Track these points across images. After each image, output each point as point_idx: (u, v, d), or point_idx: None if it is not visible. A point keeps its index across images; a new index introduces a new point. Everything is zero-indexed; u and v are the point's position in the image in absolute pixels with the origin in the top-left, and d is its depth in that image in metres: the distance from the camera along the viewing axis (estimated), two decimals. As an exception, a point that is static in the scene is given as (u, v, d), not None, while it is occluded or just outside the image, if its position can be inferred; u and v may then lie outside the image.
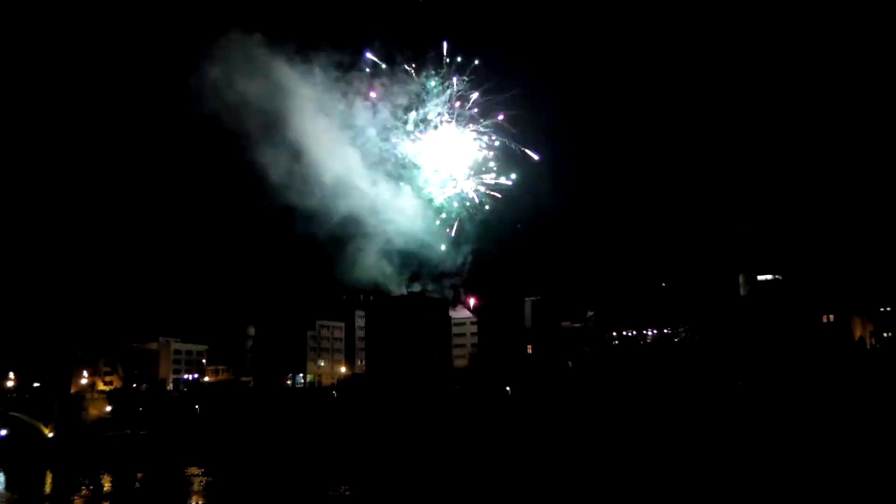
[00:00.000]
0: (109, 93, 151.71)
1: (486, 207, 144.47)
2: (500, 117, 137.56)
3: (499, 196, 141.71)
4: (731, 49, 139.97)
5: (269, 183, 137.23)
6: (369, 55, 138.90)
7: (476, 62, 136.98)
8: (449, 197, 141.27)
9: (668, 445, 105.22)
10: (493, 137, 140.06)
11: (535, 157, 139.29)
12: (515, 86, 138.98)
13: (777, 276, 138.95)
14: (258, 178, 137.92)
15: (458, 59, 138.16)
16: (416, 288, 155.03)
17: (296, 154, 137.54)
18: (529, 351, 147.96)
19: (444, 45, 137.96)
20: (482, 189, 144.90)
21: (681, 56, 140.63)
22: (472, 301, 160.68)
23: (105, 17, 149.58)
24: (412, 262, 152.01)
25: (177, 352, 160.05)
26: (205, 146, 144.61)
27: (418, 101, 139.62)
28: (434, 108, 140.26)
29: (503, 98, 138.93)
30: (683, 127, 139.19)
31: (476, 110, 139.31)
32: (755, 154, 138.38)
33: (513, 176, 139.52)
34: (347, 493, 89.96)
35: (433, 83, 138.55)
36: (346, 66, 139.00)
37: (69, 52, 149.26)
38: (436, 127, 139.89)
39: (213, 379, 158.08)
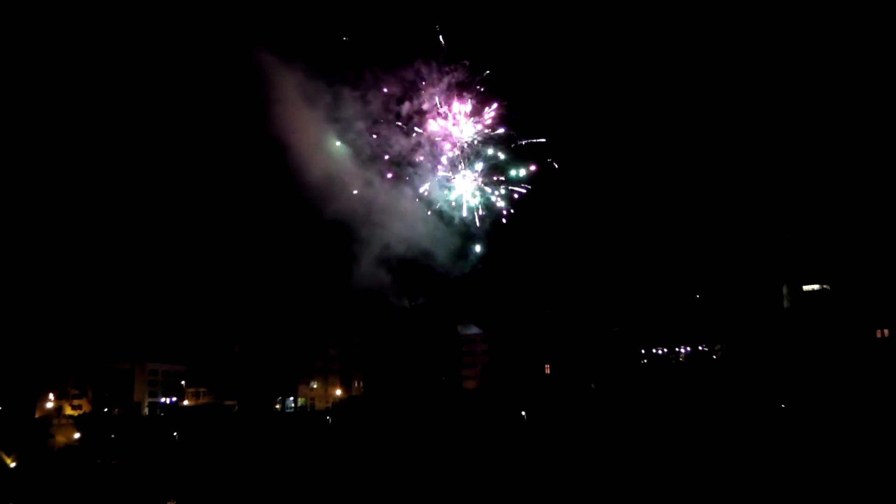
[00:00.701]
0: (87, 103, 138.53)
1: (502, 209, 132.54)
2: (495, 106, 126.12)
3: (511, 194, 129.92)
4: (776, 41, 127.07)
5: (253, 185, 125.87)
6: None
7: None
8: (455, 197, 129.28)
9: (705, 479, 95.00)
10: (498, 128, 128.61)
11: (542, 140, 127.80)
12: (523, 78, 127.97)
13: (825, 286, 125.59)
14: (240, 180, 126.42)
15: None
16: (421, 300, 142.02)
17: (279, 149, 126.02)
18: (547, 371, 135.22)
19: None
20: (491, 189, 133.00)
21: (714, 48, 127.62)
22: (482, 315, 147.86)
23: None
24: (415, 272, 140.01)
25: (153, 372, 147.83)
26: (186, 141, 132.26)
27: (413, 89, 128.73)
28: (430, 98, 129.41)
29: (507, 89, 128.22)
30: (719, 120, 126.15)
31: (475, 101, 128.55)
32: (799, 149, 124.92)
33: (528, 170, 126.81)
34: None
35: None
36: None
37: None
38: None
39: (193, 402, 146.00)
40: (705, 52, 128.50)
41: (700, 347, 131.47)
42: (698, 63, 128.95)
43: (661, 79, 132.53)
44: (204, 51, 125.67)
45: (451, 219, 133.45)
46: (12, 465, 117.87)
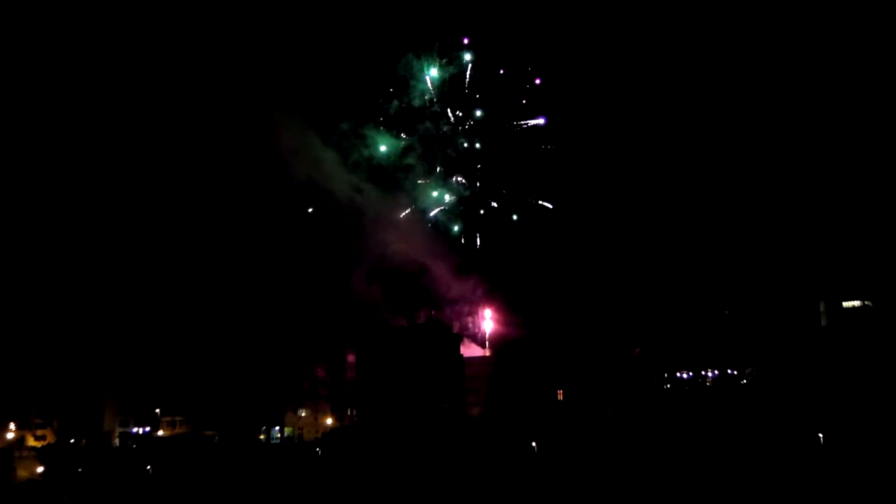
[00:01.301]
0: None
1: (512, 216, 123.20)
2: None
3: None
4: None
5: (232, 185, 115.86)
6: None
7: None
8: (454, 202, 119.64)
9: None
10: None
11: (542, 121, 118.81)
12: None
13: (867, 303, 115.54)
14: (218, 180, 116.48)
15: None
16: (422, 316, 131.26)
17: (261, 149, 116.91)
18: (560, 397, 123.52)
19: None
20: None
21: (750, 56, 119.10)
22: (487, 334, 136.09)
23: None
24: (413, 285, 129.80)
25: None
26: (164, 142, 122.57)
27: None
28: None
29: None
30: (751, 126, 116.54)
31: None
32: (837, 157, 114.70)
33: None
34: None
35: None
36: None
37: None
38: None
39: (168, 433, 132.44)
40: (733, 57, 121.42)
41: (729, 371, 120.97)
42: (728, 69, 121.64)
43: (688, 83, 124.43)
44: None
45: (450, 229, 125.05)
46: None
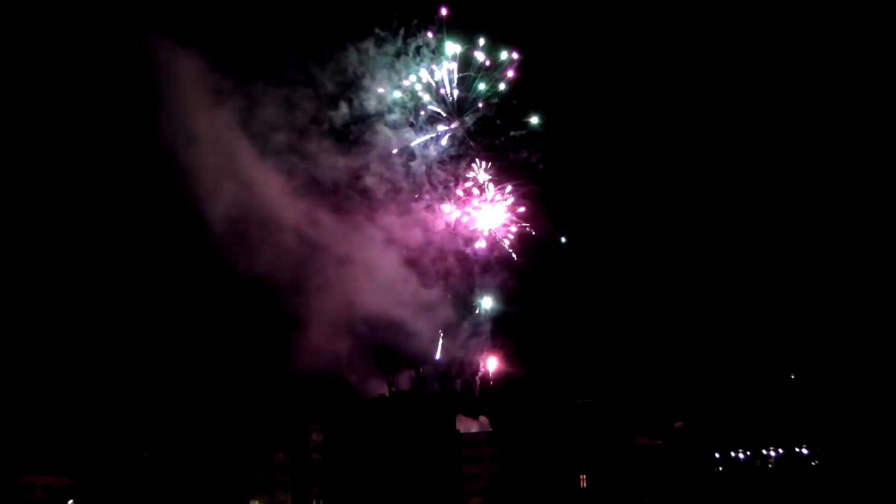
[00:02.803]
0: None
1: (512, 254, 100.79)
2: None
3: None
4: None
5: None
6: None
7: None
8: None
9: None
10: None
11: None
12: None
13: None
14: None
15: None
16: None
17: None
18: (584, 484, 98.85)
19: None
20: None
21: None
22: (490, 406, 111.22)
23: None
24: (395, 347, 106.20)
25: (28, 487, 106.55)
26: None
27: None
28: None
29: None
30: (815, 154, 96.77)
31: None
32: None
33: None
34: None
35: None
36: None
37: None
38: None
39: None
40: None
41: (796, 449, 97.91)
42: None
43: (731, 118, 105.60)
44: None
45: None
46: None
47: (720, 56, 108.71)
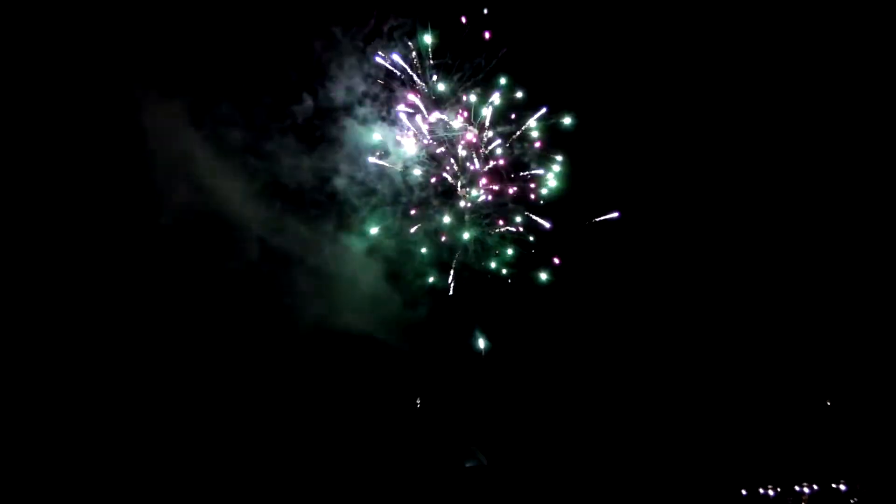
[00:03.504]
0: None
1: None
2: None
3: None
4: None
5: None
6: None
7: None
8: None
9: None
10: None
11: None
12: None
13: None
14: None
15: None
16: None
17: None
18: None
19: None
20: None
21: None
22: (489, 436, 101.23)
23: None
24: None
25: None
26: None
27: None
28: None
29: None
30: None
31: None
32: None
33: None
34: None
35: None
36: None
37: None
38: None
39: None
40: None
41: (833, 485, 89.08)
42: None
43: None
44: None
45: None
46: None
47: (720, 56, 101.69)
